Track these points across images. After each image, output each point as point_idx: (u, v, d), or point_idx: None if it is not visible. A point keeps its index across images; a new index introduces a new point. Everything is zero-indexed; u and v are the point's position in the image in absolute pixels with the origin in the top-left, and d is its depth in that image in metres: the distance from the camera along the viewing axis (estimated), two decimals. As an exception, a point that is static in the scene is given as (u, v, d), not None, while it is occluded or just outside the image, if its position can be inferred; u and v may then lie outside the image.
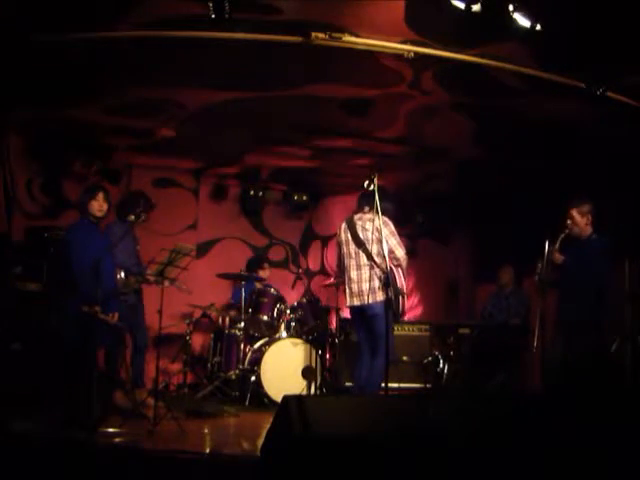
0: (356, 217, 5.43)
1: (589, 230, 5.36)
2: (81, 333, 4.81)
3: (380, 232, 5.15)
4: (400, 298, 5.17)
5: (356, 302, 5.34)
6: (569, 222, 5.36)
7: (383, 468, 2.80)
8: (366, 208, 5.39)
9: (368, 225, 5.29)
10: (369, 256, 5.26)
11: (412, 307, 8.86)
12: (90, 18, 4.20)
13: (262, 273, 7.60)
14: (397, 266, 5.24)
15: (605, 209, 5.62)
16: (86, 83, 5.31)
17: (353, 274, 5.36)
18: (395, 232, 5.24)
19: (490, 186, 7.76)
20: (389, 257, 5.14)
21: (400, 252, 5.19)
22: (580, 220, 5.35)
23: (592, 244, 5.34)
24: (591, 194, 5.68)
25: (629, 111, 5.17)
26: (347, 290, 5.41)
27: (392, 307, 5.15)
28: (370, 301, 5.24)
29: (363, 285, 5.28)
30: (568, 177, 6.65)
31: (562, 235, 5.33)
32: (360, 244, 5.33)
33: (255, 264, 7.69)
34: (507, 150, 6.58)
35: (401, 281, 5.20)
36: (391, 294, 5.14)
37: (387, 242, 5.16)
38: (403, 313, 5.23)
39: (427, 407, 3.15)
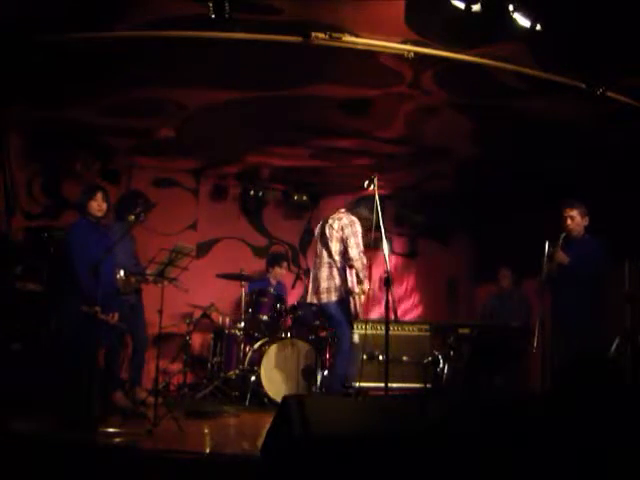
0: (332, 216, 5.47)
1: (583, 230, 5.40)
2: (81, 333, 4.80)
3: (343, 230, 5.20)
4: (352, 298, 5.16)
5: (314, 300, 5.41)
6: (569, 222, 5.38)
7: (383, 468, 2.80)
8: (342, 209, 5.45)
9: (336, 224, 5.33)
10: (330, 254, 5.29)
11: (410, 306, 8.87)
12: (90, 18, 4.20)
13: (278, 271, 7.61)
14: (350, 266, 5.23)
15: (605, 209, 5.62)
16: (86, 83, 5.32)
17: (315, 272, 5.44)
18: (358, 233, 5.23)
19: (490, 186, 7.77)
20: (344, 257, 5.18)
21: (354, 252, 5.20)
22: (581, 221, 5.39)
23: (588, 244, 5.36)
24: (591, 194, 5.69)
25: (629, 111, 5.17)
26: (309, 286, 5.46)
27: (347, 307, 5.17)
28: (325, 300, 5.29)
29: (321, 283, 5.33)
30: (568, 177, 6.65)
31: (563, 235, 5.35)
32: (324, 242, 5.38)
33: (273, 261, 7.71)
34: (507, 150, 6.58)
35: (352, 281, 5.19)
36: (344, 294, 5.16)
37: (346, 241, 5.18)
38: (356, 314, 5.21)
39: (427, 407, 3.15)
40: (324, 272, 5.31)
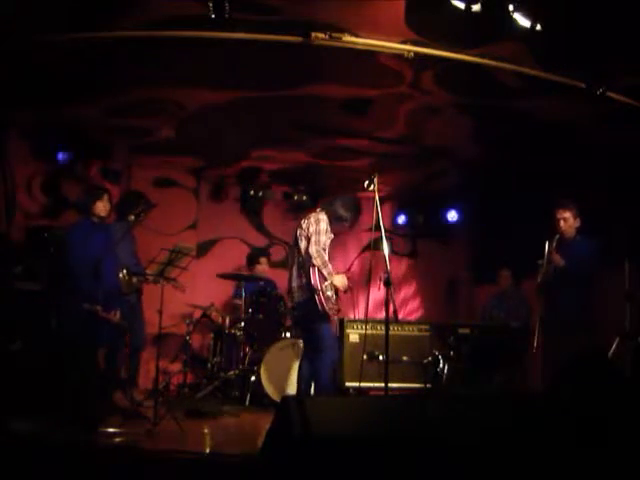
0: (305, 217, 5.48)
1: (575, 232, 5.40)
2: (81, 333, 4.81)
3: (309, 228, 5.21)
4: (316, 296, 5.15)
5: (290, 301, 5.44)
6: (563, 224, 5.38)
7: (383, 468, 2.80)
8: (318, 208, 5.45)
9: (304, 223, 5.36)
10: (299, 253, 5.31)
11: (407, 301, 8.87)
12: (90, 18, 4.20)
13: (259, 268, 7.60)
14: (312, 264, 5.20)
15: (605, 209, 5.61)
16: (86, 83, 5.32)
17: (290, 272, 5.45)
18: (322, 231, 5.22)
19: (490, 186, 7.77)
20: (308, 254, 5.19)
21: (312, 249, 5.16)
22: (573, 222, 5.39)
23: (582, 245, 5.36)
24: (591, 194, 5.68)
25: (629, 111, 5.17)
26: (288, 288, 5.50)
27: (315, 305, 5.14)
28: (297, 300, 5.31)
29: (292, 283, 5.34)
30: (568, 177, 6.65)
31: (557, 236, 5.35)
32: (295, 242, 5.42)
33: (252, 259, 7.72)
34: (507, 150, 6.58)
35: (315, 279, 5.19)
36: (311, 292, 5.15)
37: (310, 238, 5.20)
38: (325, 312, 5.18)
39: (427, 407, 3.15)
40: (295, 271, 5.33)
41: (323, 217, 5.29)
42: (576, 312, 5.23)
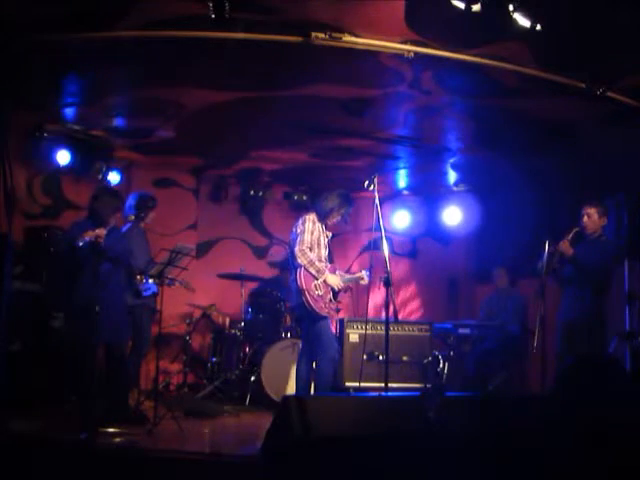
0: None
1: (600, 231, 5.40)
2: (82, 332, 4.81)
3: (297, 231, 5.25)
4: (303, 297, 5.14)
5: (289, 303, 5.44)
6: (586, 219, 5.39)
7: (383, 468, 2.80)
8: (311, 209, 5.49)
9: (295, 225, 5.39)
10: (292, 256, 5.32)
11: (407, 302, 8.87)
12: (90, 18, 4.20)
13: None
14: (299, 264, 5.21)
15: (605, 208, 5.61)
16: (86, 83, 5.32)
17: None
18: (306, 230, 5.24)
19: (490, 185, 7.77)
20: (294, 255, 5.21)
21: (295, 249, 5.21)
22: (597, 220, 5.40)
23: (602, 245, 5.36)
24: (590, 193, 5.69)
25: (629, 111, 5.17)
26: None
27: (306, 307, 5.16)
28: (293, 302, 5.36)
29: (291, 285, 5.36)
30: (567, 177, 6.65)
31: (576, 229, 5.36)
32: (289, 245, 5.42)
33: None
34: (507, 149, 6.57)
35: (300, 279, 5.18)
36: (300, 294, 5.16)
37: (297, 239, 5.23)
38: (315, 311, 5.18)
39: (427, 407, 3.15)
40: (292, 275, 5.35)
41: (309, 217, 5.33)
42: (582, 312, 5.22)
